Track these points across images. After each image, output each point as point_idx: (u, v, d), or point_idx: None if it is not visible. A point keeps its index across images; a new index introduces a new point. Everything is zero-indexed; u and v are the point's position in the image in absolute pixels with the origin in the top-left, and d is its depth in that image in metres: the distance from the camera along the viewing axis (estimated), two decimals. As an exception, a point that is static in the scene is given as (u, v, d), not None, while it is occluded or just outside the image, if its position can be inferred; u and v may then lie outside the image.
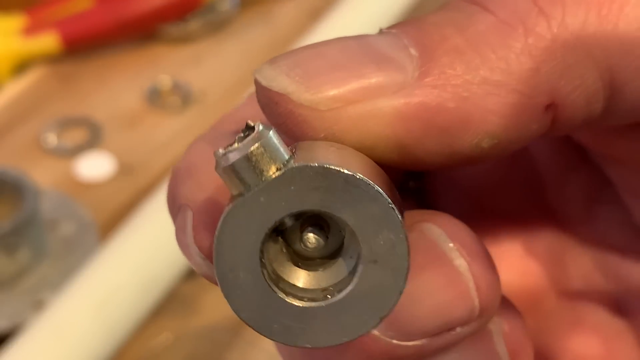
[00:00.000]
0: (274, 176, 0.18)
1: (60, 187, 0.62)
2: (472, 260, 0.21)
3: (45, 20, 0.77)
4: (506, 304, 0.24)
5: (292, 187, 0.18)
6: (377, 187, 0.19)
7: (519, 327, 0.24)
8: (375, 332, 0.21)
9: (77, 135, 0.68)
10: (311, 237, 0.20)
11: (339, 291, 0.19)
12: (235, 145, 0.19)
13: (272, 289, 0.19)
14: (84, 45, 0.77)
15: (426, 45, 0.21)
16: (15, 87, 0.72)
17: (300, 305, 0.19)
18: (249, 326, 0.19)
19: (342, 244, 0.20)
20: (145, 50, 0.77)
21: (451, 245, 0.21)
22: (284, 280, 0.20)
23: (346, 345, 0.20)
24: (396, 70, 0.21)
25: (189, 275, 0.56)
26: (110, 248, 0.53)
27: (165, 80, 0.73)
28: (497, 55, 0.21)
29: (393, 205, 0.19)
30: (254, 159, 0.18)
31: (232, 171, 0.18)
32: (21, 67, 0.75)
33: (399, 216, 0.19)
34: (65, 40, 0.75)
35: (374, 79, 0.21)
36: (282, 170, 0.18)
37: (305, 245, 0.20)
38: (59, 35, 0.75)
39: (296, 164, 0.18)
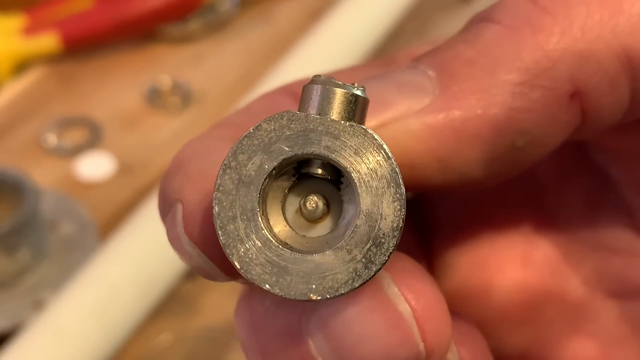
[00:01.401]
0: (345, 123, 0.20)
1: (60, 187, 0.62)
2: (417, 304, 0.22)
3: (45, 20, 0.77)
4: (465, 330, 0.25)
5: (325, 138, 0.20)
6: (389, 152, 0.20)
7: (478, 352, 0.24)
8: None
9: (77, 135, 0.68)
10: (312, 200, 0.21)
11: (328, 248, 0.20)
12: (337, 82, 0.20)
13: (268, 237, 0.20)
14: (84, 45, 0.77)
15: (441, 64, 0.22)
16: (15, 87, 0.72)
17: (289, 253, 0.20)
18: (238, 270, 0.20)
19: (340, 213, 0.21)
20: (145, 50, 0.77)
21: (396, 290, 0.22)
22: (275, 229, 0.21)
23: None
24: (417, 90, 0.22)
25: (189, 275, 0.56)
26: (110, 248, 0.53)
27: (165, 80, 0.73)
28: (511, 57, 0.22)
29: (397, 168, 0.20)
30: (350, 98, 0.20)
31: (322, 93, 0.20)
32: (21, 67, 0.75)
33: (403, 187, 0.20)
34: (65, 40, 0.75)
35: (398, 102, 0.22)
36: (350, 124, 0.20)
37: (306, 208, 0.21)
38: (59, 35, 0.75)
39: (365, 127, 0.20)
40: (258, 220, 0.20)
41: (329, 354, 0.21)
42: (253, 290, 0.23)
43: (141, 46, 0.78)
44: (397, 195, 0.20)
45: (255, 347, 0.23)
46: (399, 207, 0.20)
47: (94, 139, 0.67)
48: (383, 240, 0.20)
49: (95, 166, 0.64)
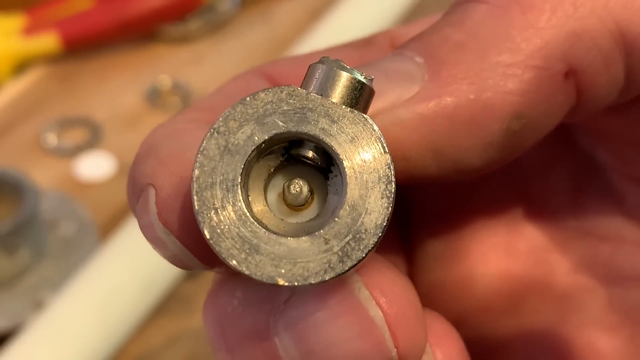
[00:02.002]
0: (346, 108, 0.19)
1: (60, 187, 0.62)
2: (390, 309, 0.21)
3: (45, 20, 0.77)
4: (441, 331, 0.24)
5: (324, 119, 0.19)
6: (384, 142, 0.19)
7: (455, 352, 0.24)
8: None
9: (76, 135, 0.68)
10: (296, 184, 0.20)
11: (307, 233, 0.19)
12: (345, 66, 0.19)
13: (245, 211, 0.19)
14: (84, 45, 0.77)
15: (429, 50, 0.21)
16: (15, 87, 0.72)
17: (263, 232, 0.19)
18: (209, 243, 0.19)
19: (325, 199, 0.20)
20: (145, 50, 0.77)
21: (367, 294, 0.21)
22: (253, 207, 0.20)
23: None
24: (406, 78, 0.21)
25: (189, 275, 0.56)
26: (110, 248, 0.53)
27: (165, 80, 0.73)
28: (501, 38, 0.21)
29: (391, 164, 0.19)
30: (355, 84, 0.19)
31: (328, 73, 0.19)
32: (21, 67, 0.75)
33: (394, 178, 0.19)
34: (65, 40, 0.75)
35: (386, 91, 0.21)
36: (351, 110, 0.19)
37: (289, 191, 0.20)
38: (59, 35, 0.75)
39: (366, 116, 0.19)
40: (237, 192, 0.19)
41: (297, 357, 0.21)
42: (221, 287, 0.23)
43: (141, 46, 0.78)
44: (387, 192, 0.19)
45: (223, 346, 0.22)
46: (386, 204, 0.19)
47: (93, 139, 0.67)
48: (364, 236, 0.19)
49: (95, 166, 0.64)
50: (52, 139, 0.67)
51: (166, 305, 0.54)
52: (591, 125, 0.25)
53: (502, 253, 0.27)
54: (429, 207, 0.27)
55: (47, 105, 0.70)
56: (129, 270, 0.52)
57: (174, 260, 0.22)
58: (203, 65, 0.76)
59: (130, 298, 0.51)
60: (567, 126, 0.26)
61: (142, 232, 0.22)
